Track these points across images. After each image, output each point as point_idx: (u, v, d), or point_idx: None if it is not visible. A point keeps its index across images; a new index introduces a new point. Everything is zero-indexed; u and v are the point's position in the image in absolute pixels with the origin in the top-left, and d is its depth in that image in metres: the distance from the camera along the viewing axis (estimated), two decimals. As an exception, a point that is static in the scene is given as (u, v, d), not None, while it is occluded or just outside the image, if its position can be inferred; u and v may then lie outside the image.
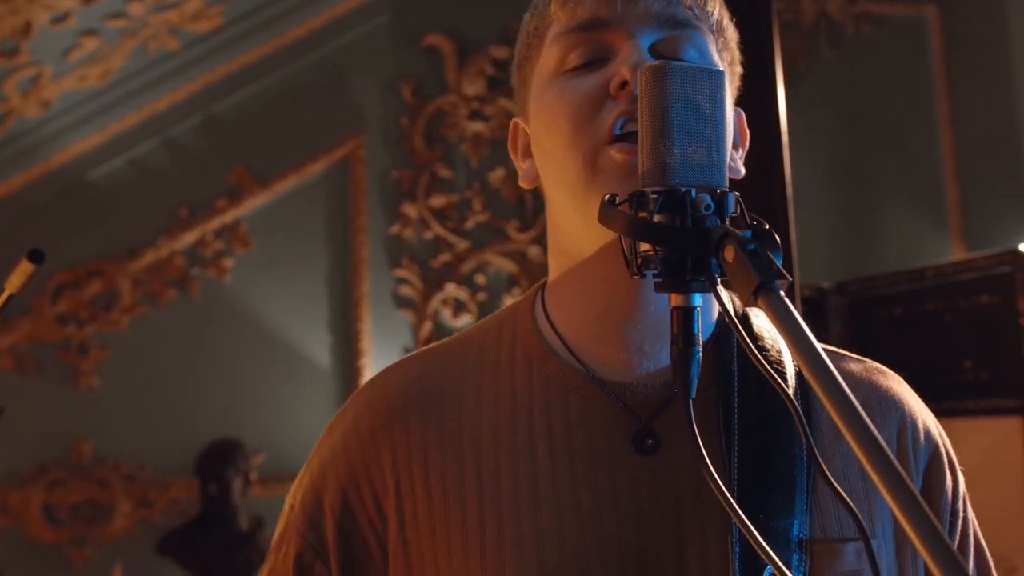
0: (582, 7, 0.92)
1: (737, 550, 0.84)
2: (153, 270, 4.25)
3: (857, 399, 0.93)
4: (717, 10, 0.96)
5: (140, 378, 4.18)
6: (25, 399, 4.04)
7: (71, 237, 4.19)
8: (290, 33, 4.27)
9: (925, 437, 0.97)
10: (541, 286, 1.02)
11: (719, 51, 0.96)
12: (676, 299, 0.76)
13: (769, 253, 0.69)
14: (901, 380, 1.02)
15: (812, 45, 4.65)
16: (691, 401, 0.76)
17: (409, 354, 1.04)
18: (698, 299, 0.76)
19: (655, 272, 0.75)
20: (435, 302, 4.39)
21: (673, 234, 0.73)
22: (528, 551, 0.87)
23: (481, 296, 4.43)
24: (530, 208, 4.44)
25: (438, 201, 4.41)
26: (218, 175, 4.31)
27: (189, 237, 4.27)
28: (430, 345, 1.04)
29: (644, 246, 0.76)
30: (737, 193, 0.78)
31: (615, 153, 0.86)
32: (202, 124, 4.31)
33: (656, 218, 0.74)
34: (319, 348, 4.32)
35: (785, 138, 2.06)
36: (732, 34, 0.99)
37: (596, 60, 0.91)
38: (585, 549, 0.87)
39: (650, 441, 0.90)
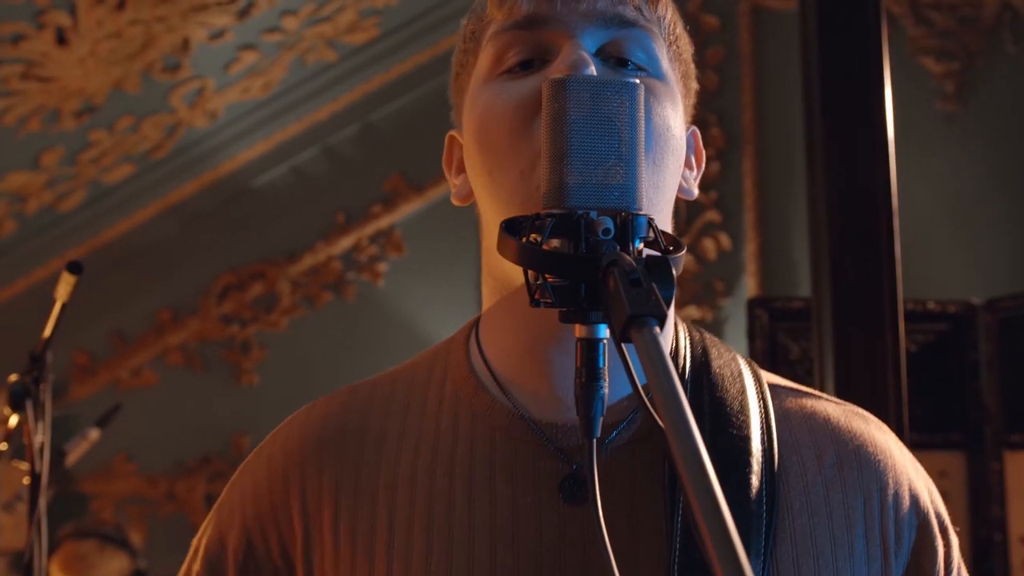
0: (519, 4, 0.84)
1: None
2: (311, 273, 4.41)
3: (832, 448, 0.86)
4: (669, 14, 0.88)
5: (297, 377, 4.34)
6: (192, 393, 4.27)
7: (236, 241, 4.40)
8: (444, 42, 4.33)
9: (912, 503, 0.86)
10: (476, 319, 0.95)
11: (671, 60, 0.88)
12: (580, 330, 0.71)
13: (654, 284, 0.64)
14: (885, 428, 0.92)
15: (994, 41, 4.33)
16: (594, 442, 0.71)
17: (335, 391, 0.96)
18: (603, 331, 0.70)
19: (550, 302, 0.70)
20: (583, 309, 4.35)
21: (559, 261, 0.68)
22: None
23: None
24: (683, 216, 4.34)
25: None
26: (374, 182, 4.42)
27: (345, 242, 4.40)
28: (360, 381, 0.97)
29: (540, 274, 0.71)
30: (649, 215, 0.72)
31: None
32: (360, 132, 4.43)
33: (551, 243, 0.69)
34: (468, 353, 4.35)
35: (892, 145, 1.92)
36: (686, 45, 0.91)
37: (536, 60, 0.84)
38: None
39: (580, 489, 0.82)
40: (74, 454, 1.99)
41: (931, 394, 2.62)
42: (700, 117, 3.89)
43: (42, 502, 1.55)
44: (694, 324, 0.95)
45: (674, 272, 0.67)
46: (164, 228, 4.38)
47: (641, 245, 0.71)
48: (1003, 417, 2.65)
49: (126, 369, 4.35)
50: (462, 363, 0.91)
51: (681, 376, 0.87)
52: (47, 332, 1.56)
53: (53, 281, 4.48)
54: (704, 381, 0.87)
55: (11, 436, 1.94)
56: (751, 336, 2.62)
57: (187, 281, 4.35)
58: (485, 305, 0.92)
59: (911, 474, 0.89)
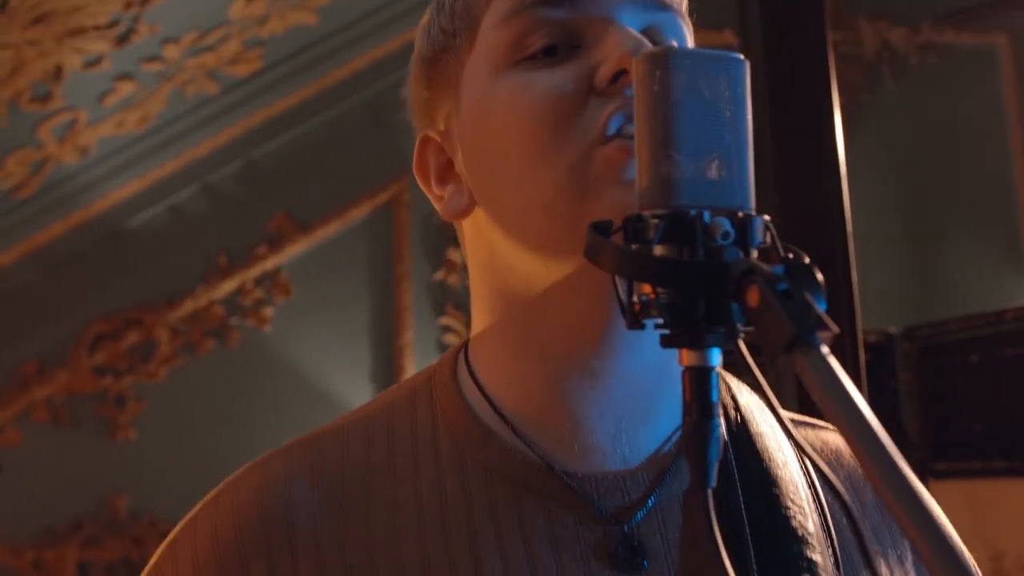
0: None
1: None
2: (192, 319, 4.16)
3: (870, 488, 0.76)
4: None
5: (178, 431, 4.08)
6: (60, 452, 3.97)
7: (109, 286, 4.13)
8: (332, 75, 4.19)
9: None
10: (461, 348, 0.79)
11: (691, 44, 0.77)
12: (688, 357, 0.57)
13: (807, 295, 0.51)
14: None
15: (874, 77, 4.45)
16: (709, 493, 0.58)
17: (287, 443, 0.76)
18: (717, 357, 0.58)
19: (658, 322, 0.57)
20: (481, 350, 4.25)
21: (679, 271, 0.55)
22: None
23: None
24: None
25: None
26: (258, 222, 4.23)
27: (228, 285, 4.18)
28: (317, 429, 0.77)
29: (644, 288, 0.58)
30: (767, 216, 0.60)
31: (612, 152, 0.66)
32: (242, 170, 4.23)
33: (658, 250, 0.57)
34: (361, 399, 4.17)
35: (844, 172, 1.87)
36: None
37: (560, 46, 0.71)
38: None
39: (635, 556, 0.68)
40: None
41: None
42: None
43: None
44: None
45: (820, 279, 0.55)
46: (29, 272, 4.08)
47: (756, 252, 0.59)
48: (926, 446, 2.64)
49: (-15, 428, 4.01)
50: (455, 404, 0.74)
51: (729, 429, 0.75)
52: None
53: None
54: (744, 424, 0.76)
55: None
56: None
57: (55, 330, 4.05)
58: (483, 332, 0.77)
59: None
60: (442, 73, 0.76)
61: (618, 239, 0.58)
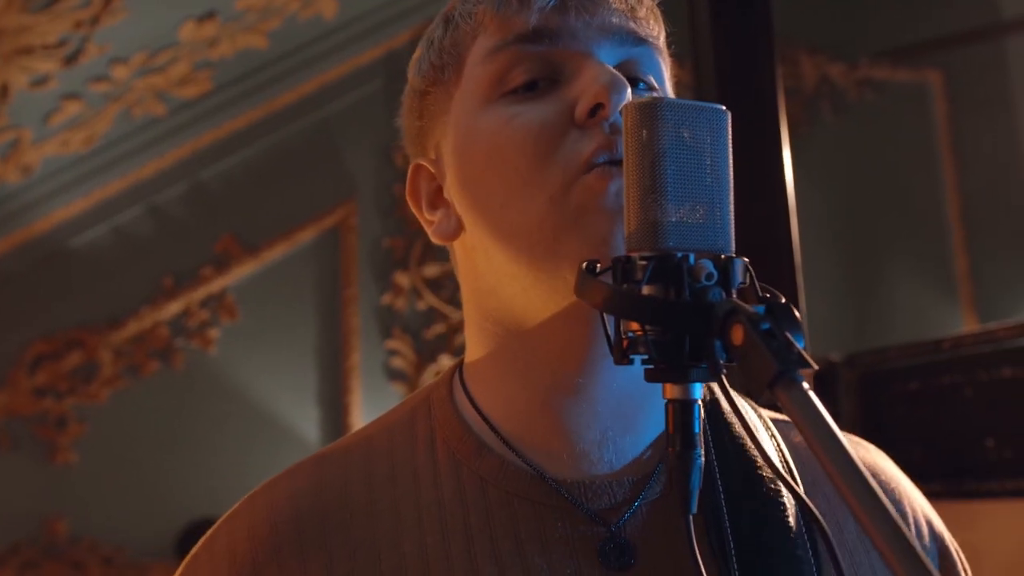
0: (525, 14, 0.74)
1: None
2: (135, 341, 4.11)
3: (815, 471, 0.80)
4: (663, 31, 0.81)
5: (120, 454, 4.03)
6: (-2, 475, 3.89)
7: (51, 306, 4.07)
8: (281, 99, 4.19)
9: (929, 527, 0.84)
10: (457, 367, 0.83)
11: (669, 79, 0.81)
12: (672, 391, 0.61)
13: (788, 334, 0.55)
14: (886, 456, 0.90)
15: (814, 110, 4.56)
16: (691, 518, 0.61)
17: (296, 463, 0.82)
18: (699, 390, 0.61)
19: (647, 359, 0.60)
20: (428, 374, 4.24)
21: (668, 310, 0.58)
22: None
23: (476, 367, 4.28)
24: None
25: (432, 270, 4.28)
26: (204, 243, 4.20)
27: (174, 307, 4.14)
28: (321, 450, 0.82)
29: (632, 325, 0.61)
30: (746, 259, 0.63)
31: (592, 180, 0.70)
32: (189, 191, 4.21)
33: (646, 290, 0.60)
34: (307, 422, 4.17)
35: (792, 204, 1.94)
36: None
37: (541, 80, 0.75)
38: None
39: (622, 555, 0.72)
40: None
41: (796, 450, 2.65)
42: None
43: None
44: None
45: (799, 319, 0.59)
46: (-33, 292, 4.00)
47: (735, 292, 0.63)
48: (866, 471, 2.71)
49: (-80, 450, 3.92)
50: (452, 420, 0.79)
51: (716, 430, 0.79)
52: None
53: None
54: (719, 422, 0.79)
55: None
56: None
57: (-6, 350, 3.98)
58: (474, 351, 0.80)
59: (919, 499, 0.87)
60: (433, 105, 0.80)
61: (607, 278, 0.62)
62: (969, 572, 0.86)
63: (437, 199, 0.81)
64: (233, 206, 4.22)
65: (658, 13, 0.80)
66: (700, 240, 0.61)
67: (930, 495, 2.44)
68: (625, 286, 0.60)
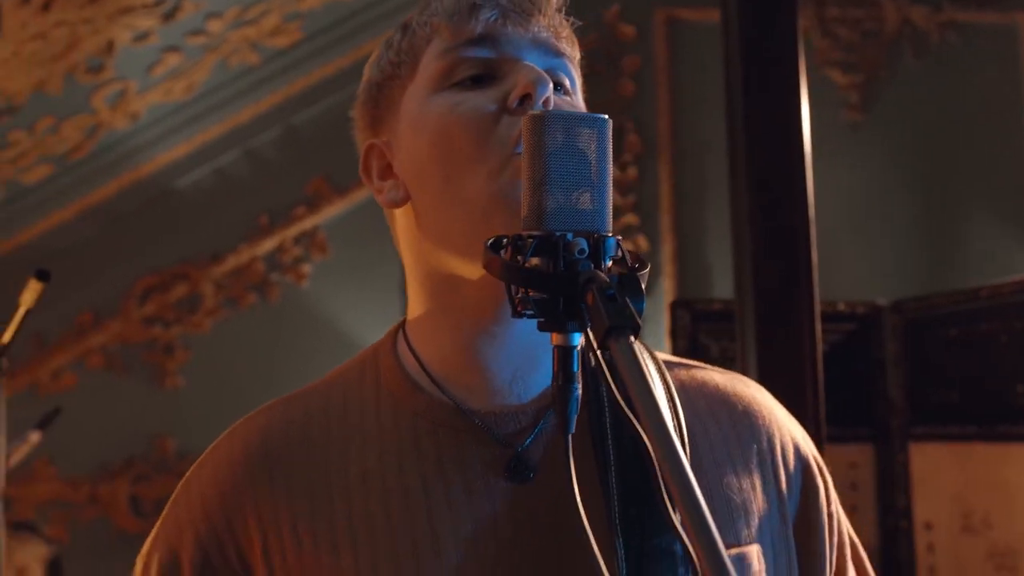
0: (471, 24, 0.91)
1: (623, 572, 0.85)
2: (234, 275, 4.41)
3: (725, 411, 0.97)
4: (577, 52, 0.98)
5: (221, 379, 4.34)
6: (113, 396, 4.24)
7: (158, 243, 4.38)
8: (367, 46, 4.38)
9: (795, 450, 0.99)
10: (400, 324, 1.01)
11: (580, 88, 0.98)
12: (556, 338, 0.78)
13: (628, 299, 0.72)
14: (763, 389, 1.04)
15: (895, 54, 4.54)
16: (570, 437, 0.79)
17: (268, 403, 1.00)
18: (577, 338, 0.79)
19: (531, 314, 0.78)
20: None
21: (542, 278, 0.76)
22: None
23: (551, 305, 4.46)
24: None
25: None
26: (297, 184, 4.45)
27: (269, 244, 4.42)
28: (291, 392, 1.01)
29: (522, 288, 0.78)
30: (619, 237, 0.80)
31: (517, 169, 0.85)
32: (282, 135, 4.45)
33: (532, 261, 0.77)
34: (392, 352, 4.41)
35: (809, 156, 2.05)
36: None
37: (483, 76, 0.91)
38: None
39: (525, 470, 0.89)
40: (16, 456, 2.00)
41: (841, 390, 2.77)
42: (618, 123, 4.00)
43: None
44: None
45: (643, 287, 0.75)
46: (84, 229, 4.34)
47: (611, 263, 0.79)
48: (908, 411, 2.81)
49: (46, 372, 4.30)
50: (393, 367, 0.96)
51: (593, 365, 0.94)
52: (6, 337, 1.57)
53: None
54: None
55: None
56: (674, 336, 2.74)
57: (108, 283, 4.31)
58: (415, 308, 0.97)
59: (790, 426, 1.01)
60: (387, 95, 0.98)
61: (504, 255, 0.79)
62: (828, 478, 1.01)
63: (386, 173, 0.98)
64: (323, 149, 4.45)
65: (574, 38, 0.97)
66: (579, 222, 0.78)
67: (965, 437, 2.56)
68: (516, 259, 0.78)
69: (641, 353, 0.98)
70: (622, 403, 0.75)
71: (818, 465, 1.00)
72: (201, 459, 0.99)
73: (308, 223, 4.44)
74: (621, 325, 0.70)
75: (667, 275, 4.39)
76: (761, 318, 1.91)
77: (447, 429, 0.92)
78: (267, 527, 0.91)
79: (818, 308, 1.97)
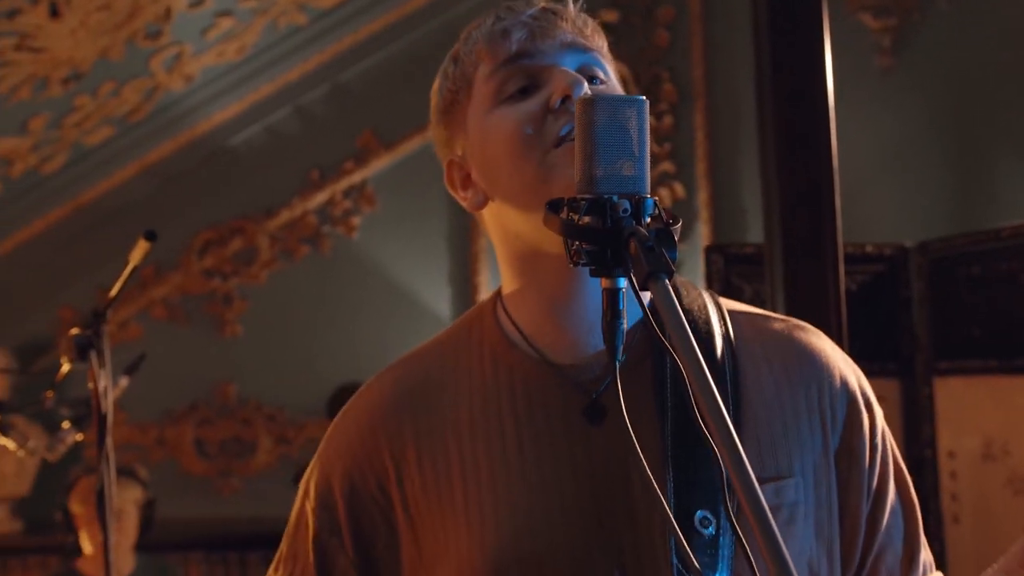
0: (506, 45, 1.08)
1: (672, 500, 1.02)
2: (288, 228, 4.62)
3: (779, 356, 1.13)
4: (604, 42, 1.14)
5: (277, 327, 4.57)
6: (176, 345, 4.48)
7: (215, 198, 4.60)
8: (411, 3, 4.52)
9: (842, 384, 1.13)
10: (497, 293, 1.19)
11: (613, 73, 1.14)
12: (604, 282, 0.95)
13: (663, 250, 0.89)
14: (821, 334, 1.18)
15: (927, -3, 4.59)
16: (618, 364, 0.96)
17: (396, 360, 1.20)
18: (623, 282, 0.96)
19: (584, 263, 0.95)
20: (547, 257, 4.62)
21: (593, 233, 0.93)
22: (503, 514, 1.06)
23: (592, 251, 4.63)
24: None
25: (550, 160, 4.61)
26: (346, 139, 4.63)
27: (320, 197, 4.62)
28: (410, 351, 1.21)
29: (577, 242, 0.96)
30: (656, 198, 0.97)
31: (561, 152, 1.03)
32: (331, 92, 4.62)
33: (584, 220, 0.94)
34: (440, 300, 4.61)
35: (832, 104, 2.18)
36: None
37: (528, 87, 1.08)
38: (550, 509, 1.06)
39: (599, 413, 1.07)
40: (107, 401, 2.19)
41: (869, 328, 2.92)
42: (653, 73, 4.14)
43: (109, 440, 1.78)
44: None
45: (676, 239, 0.92)
46: (143, 187, 4.56)
47: (649, 220, 0.96)
48: (932, 347, 2.95)
49: (112, 324, 4.52)
50: (493, 329, 1.15)
51: (652, 312, 1.11)
52: (114, 291, 1.77)
53: (37, 243, 4.60)
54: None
55: (57, 385, 2.17)
56: (708, 279, 2.89)
57: (168, 238, 4.46)
58: (507, 283, 1.16)
59: (843, 366, 1.15)
60: (454, 118, 1.15)
61: (562, 215, 0.96)
62: (876, 412, 1.13)
63: (466, 183, 1.15)
64: (371, 104, 4.62)
65: (599, 31, 1.14)
66: (623, 187, 0.94)
67: (986, 370, 2.70)
68: (572, 217, 0.95)
69: (708, 300, 1.16)
70: (660, 336, 0.92)
71: (865, 400, 1.13)
72: (347, 406, 1.19)
73: (357, 177, 4.63)
74: (658, 270, 0.87)
75: (703, 220, 4.53)
76: (788, 260, 2.07)
77: (535, 380, 1.10)
78: (399, 461, 1.12)
79: (842, 251, 2.12)
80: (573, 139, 0.99)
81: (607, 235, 0.92)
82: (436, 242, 4.65)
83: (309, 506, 1.17)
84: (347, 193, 4.65)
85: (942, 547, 2.87)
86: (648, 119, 0.97)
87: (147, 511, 3.30)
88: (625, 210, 0.93)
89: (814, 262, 2.09)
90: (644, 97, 0.97)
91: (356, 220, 4.63)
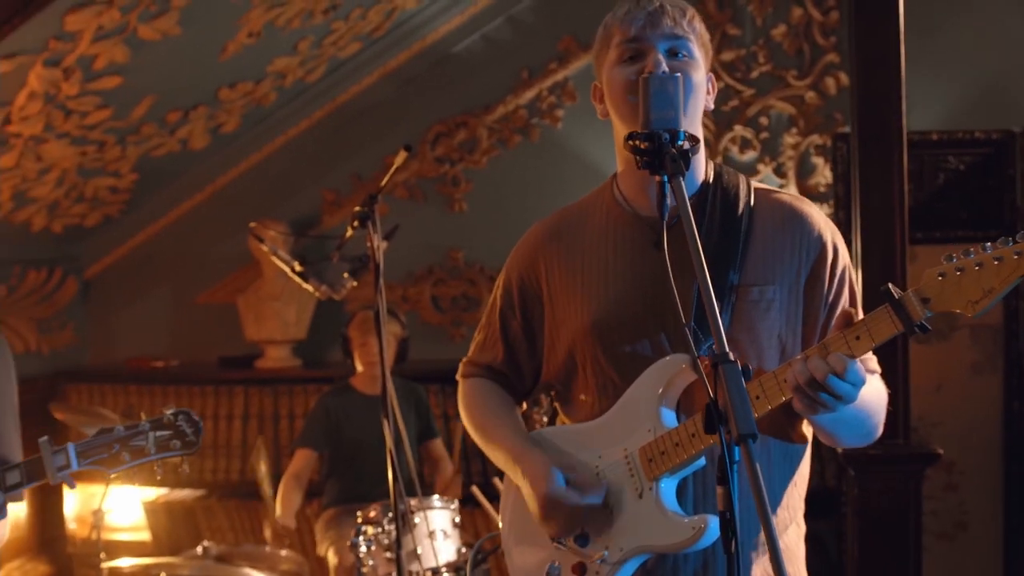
0: (629, 29, 1.80)
1: (694, 299, 1.79)
2: (503, 121, 5.47)
3: (781, 217, 1.90)
4: (699, 26, 1.84)
5: (496, 203, 5.44)
6: (415, 219, 5.43)
7: (442, 97, 5.49)
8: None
9: (818, 236, 1.82)
10: (614, 174, 1.94)
11: (700, 48, 1.84)
12: (656, 178, 1.73)
13: (680, 159, 1.67)
14: (812, 203, 1.88)
15: None
16: (664, 220, 1.75)
17: (554, 211, 1.97)
18: (666, 177, 1.74)
19: (643, 164, 1.73)
20: (725, 140, 5.29)
21: (646, 150, 1.70)
22: (601, 296, 1.84)
23: (764, 135, 5.25)
24: (808, 58, 5.15)
25: (727, 56, 5.23)
26: (550, 43, 5.39)
27: (529, 94, 5.43)
28: (564, 206, 1.98)
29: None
30: (686, 131, 1.72)
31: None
32: (537, 3, 5.38)
33: (643, 144, 1.72)
34: (630, 180, 5.34)
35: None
36: (705, 33, 1.86)
37: (636, 56, 1.80)
38: (627, 295, 1.83)
39: (658, 244, 1.77)
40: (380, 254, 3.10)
41: (978, 200, 3.49)
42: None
43: (381, 282, 2.68)
44: (719, 163, 1.93)
45: (690, 156, 1.69)
46: (385, 90, 5.50)
47: (683, 141, 1.72)
48: (1034, 222, 3.49)
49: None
50: (610, 194, 1.93)
51: (705, 186, 1.89)
52: (383, 183, 2.66)
53: (303, 138, 5.67)
54: (717, 188, 1.87)
55: (342, 246, 3.10)
56: (834, 164, 3.50)
57: (406, 131, 5.44)
58: (620, 166, 1.93)
59: (821, 225, 1.85)
60: (599, 60, 1.90)
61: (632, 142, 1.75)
62: (840, 251, 1.84)
63: (600, 98, 1.92)
64: (570, 12, 5.34)
65: (694, 23, 1.83)
66: (666, 125, 1.69)
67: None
68: (636, 141, 1.73)
69: (742, 181, 1.91)
70: (685, 216, 1.71)
71: (833, 247, 1.81)
72: (524, 235, 1.99)
73: (560, 75, 5.40)
74: (676, 172, 1.65)
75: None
76: (863, 145, 2.73)
77: (628, 225, 1.88)
78: (549, 267, 1.92)
79: (905, 134, 2.74)
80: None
81: (655, 151, 1.71)
82: (628, 129, 5.34)
83: (498, 293, 1.99)
84: (552, 89, 5.43)
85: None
86: (689, 87, 1.75)
87: (403, 344, 4.28)
88: (666, 138, 1.72)
89: (881, 146, 2.74)
90: (679, 74, 1.74)
91: (560, 112, 5.42)
